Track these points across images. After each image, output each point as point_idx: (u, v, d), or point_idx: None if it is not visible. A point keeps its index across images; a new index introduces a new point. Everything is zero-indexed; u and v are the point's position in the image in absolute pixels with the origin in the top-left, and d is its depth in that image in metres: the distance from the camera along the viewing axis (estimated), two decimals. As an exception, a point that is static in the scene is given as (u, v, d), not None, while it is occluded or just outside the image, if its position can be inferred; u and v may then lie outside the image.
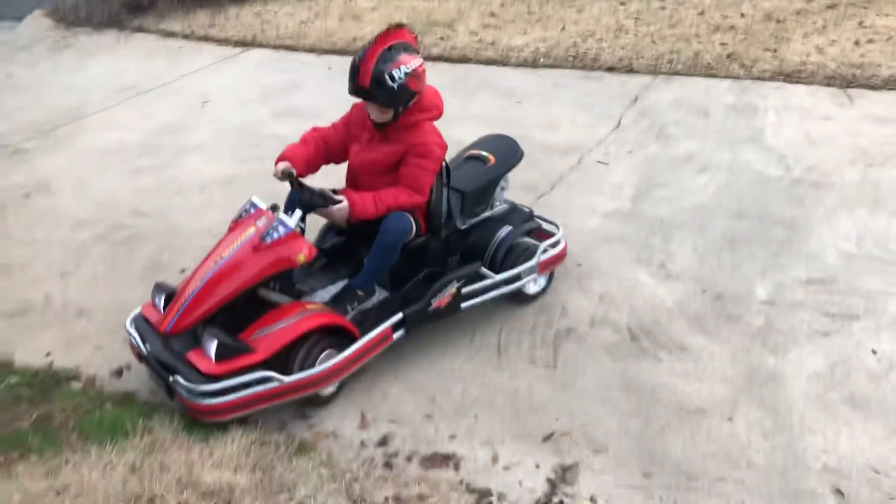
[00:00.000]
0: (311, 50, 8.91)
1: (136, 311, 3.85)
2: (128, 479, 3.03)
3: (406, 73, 3.57)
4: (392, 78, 3.55)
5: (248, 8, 10.52)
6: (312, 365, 3.52)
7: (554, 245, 4.30)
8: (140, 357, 3.71)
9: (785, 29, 7.88)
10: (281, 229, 3.58)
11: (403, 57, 3.58)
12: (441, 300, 3.89)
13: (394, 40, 3.62)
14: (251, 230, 3.62)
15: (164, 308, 3.67)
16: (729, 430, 3.39)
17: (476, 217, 4.24)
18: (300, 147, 3.88)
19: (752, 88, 6.83)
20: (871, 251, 4.49)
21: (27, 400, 3.61)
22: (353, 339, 3.65)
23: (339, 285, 3.93)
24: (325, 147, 3.94)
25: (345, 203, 3.66)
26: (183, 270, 4.78)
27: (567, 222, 4.68)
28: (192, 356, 3.45)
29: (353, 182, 3.93)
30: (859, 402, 3.50)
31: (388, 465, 3.31)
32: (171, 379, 3.40)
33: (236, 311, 3.60)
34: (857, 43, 7.32)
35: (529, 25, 8.73)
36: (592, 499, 3.11)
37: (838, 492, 3.09)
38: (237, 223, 3.75)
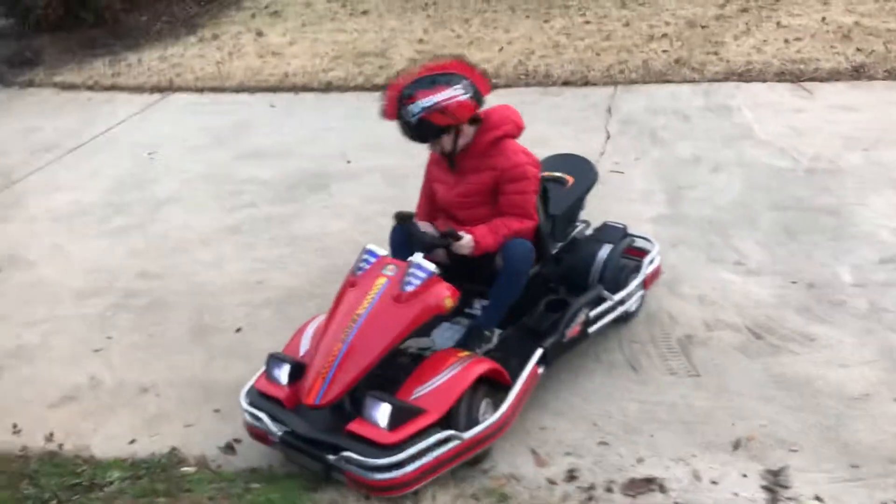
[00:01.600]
0: (240, 90, 8.44)
1: (248, 385, 3.45)
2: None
3: (423, 108, 3.40)
4: (410, 113, 3.42)
5: (149, 53, 9.85)
6: (477, 416, 3.24)
7: (652, 260, 4.21)
8: (263, 438, 3.31)
9: (713, 33, 8.23)
10: (421, 274, 3.29)
11: (422, 92, 3.41)
12: (574, 328, 3.71)
13: (425, 73, 3.50)
14: (383, 280, 3.32)
15: (289, 380, 3.30)
16: (902, 410, 3.43)
17: (566, 239, 4.10)
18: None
19: (713, 89, 7.06)
20: (918, 225, 4.72)
21: (162, 494, 3.12)
22: (500, 384, 3.38)
23: (449, 327, 3.68)
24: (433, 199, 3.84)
25: (469, 237, 3.45)
26: (239, 330, 4.34)
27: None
28: (356, 427, 3.09)
29: (451, 220, 3.72)
30: None
31: (591, 498, 3.10)
32: (334, 457, 3.03)
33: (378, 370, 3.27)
34: (786, 41, 7.75)
35: (463, 48, 8.64)
36: (818, 498, 3.03)
37: None
38: (358, 276, 3.42)
